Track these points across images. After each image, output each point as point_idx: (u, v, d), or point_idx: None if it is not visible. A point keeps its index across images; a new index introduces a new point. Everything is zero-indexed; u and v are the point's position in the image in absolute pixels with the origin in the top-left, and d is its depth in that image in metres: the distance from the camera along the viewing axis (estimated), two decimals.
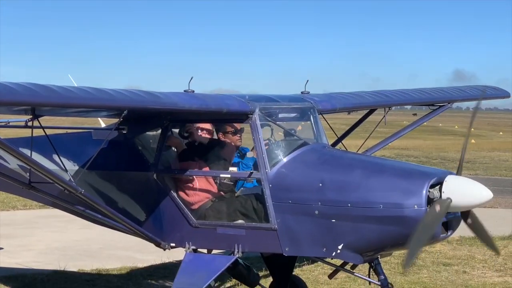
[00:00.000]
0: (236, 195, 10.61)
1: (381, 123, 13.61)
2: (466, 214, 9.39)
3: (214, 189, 10.57)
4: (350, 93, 13.17)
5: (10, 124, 12.57)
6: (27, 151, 10.23)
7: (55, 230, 19.20)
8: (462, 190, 9.13)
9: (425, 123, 14.65)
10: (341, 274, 11.43)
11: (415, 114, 14.55)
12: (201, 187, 10.58)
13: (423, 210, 9.10)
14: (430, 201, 9.12)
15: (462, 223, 9.72)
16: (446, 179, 9.18)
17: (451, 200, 9.06)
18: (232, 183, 10.61)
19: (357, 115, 13.73)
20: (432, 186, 9.19)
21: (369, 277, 10.54)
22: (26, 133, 10.56)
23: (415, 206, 9.13)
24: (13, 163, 11.10)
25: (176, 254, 11.05)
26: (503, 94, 16.36)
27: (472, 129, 10.63)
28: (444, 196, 9.18)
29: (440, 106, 14.46)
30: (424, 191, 9.14)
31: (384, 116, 13.65)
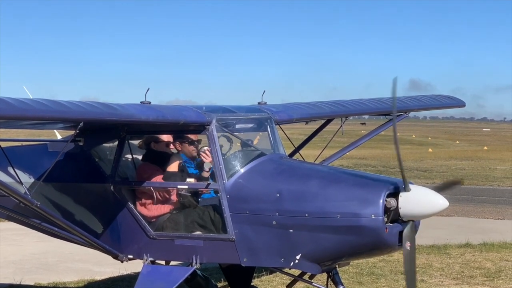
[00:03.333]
0: (193, 205, 10.58)
1: (338, 133, 13.71)
2: (410, 232, 9.61)
3: (173, 200, 10.50)
4: (307, 103, 13.24)
5: None
6: None
7: (10, 243, 19.01)
8: (418, 200, 9.21)
9: (382, 133, 14.70)
10: (299, 284, 11.46)
11: (363, 124, 14.71)
12: (158, 199, 10.49)
13: (380, 219, 9.17)
14: (387, 210, 9.22)
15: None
16: (402, 189, 9.39)
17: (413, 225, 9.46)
18: (190, 194, 10.45)
19: (315, 125, 13.80)
20: (389, 195, 9.25)
21: (327, 287, 10.45)
22: None
23: (372, 215, 9.19)
24: None
25: (134, 266, 11.04)
26: (459, 103, 16.63)
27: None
28: (400, 204, 9.44)
29: (398, 116, 14.55)
30: (381, 201, 9.21)
31: (341, 126, 13.73)
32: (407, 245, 9.33)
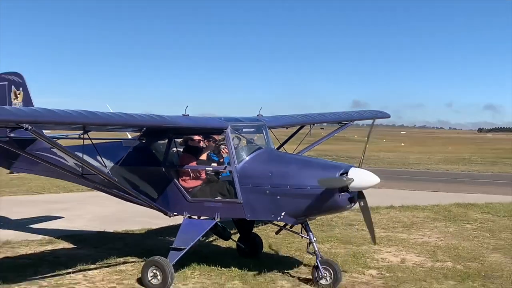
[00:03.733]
0: (215, 180, 11.04)
1: (308, 135, 14.24)
2: (361, 197, 10.07)
3: (202, 177, 11.06)
4: (288, 115, 13.89)
5: (69, 136, 12.69)
6: (80, 154, 10.88)
7: (97, 205, 19.32)
8: (360, 177, 9.77)
9: (336, 135, 15.18)
10: (283, 232, 11.83)
11: (322, 129, 15.08)
12: (193, 176, 11.06)
13: (336, 190, 9.78)
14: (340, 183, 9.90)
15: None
16: (350, 170, 9.91)
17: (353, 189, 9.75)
18: (213, 173, 11.03)
19: (292, 129, 14.32)
20: (341, 174, 9.84)
21: (301, 233, 10.99)
22: (80, 142, 11.02)
23: (332, 188, 9.85)
24: (70, 162, 11.45)
25: (177, 220, 11.40)
26: (385, 115, 17.13)
27: (366, 138, 11.30)
28: (348, 181, 9.75)
29: (346, 123, 15.11)
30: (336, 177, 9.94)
31: (310, 130, 14.32)
32: (361, 203, 10.04)
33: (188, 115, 11.27)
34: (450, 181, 30.52)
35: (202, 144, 11.49)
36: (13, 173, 13.56)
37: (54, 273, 11.06)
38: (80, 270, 11.31)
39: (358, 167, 10.06)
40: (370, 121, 16.72)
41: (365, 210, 10.26)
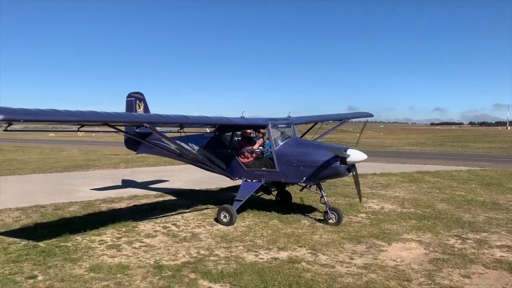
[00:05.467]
0: (261, 158, 11.00)
1: (320, 128, 14.07)
2: (354, 168, 9.93)
3: (254, 156, 11.01)
4: (306, 116, 13.68)
5: (171, 131, 12.68)
6: (178, 142, 11.03)
7: (190, 173, 19.47)
8: (354, 154, 9.69)
9: (338, 128, 14.96)
10: (305, 190, 11.78)
11: (327, 124, 14.85)
12: (248, 155, 11.08)
13: (338, 163, 9.68)
14: (341, 160, 9.69)
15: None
16: (348, 150, 9.76)
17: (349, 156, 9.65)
18: (260, 153, 10.95)
19: (309, 125, 14.15)
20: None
21: (316, 190, 10.87)
22: (178, 134, 11.10)
23: (335, 161, 9.74)
24: (172, 146, 11.54)
25: (238, 182, 11.48)
26: (370, 115, 16.70)
27: (357, 130, 11.18)
28: (346, 157, 9.71)
29: (344, 121, 14.81)
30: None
31: (321, 125, 14.10)
32: (353, 173, 9.89)
33: (244, 117, 11.26)
34: (412, 157, 29.74)
35: (252, 135, 11.41)
36: (138, 154, 13.86)
37: (164, 214, 11.29)
38: (179, 213, 11.51)
39: (353, 149, 9.85)
40: (361, 119, 16.47)
41: (356, 178, 9.99)
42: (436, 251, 8.26)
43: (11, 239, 8.82)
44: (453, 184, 16.70)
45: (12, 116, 6.32)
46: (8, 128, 7.15)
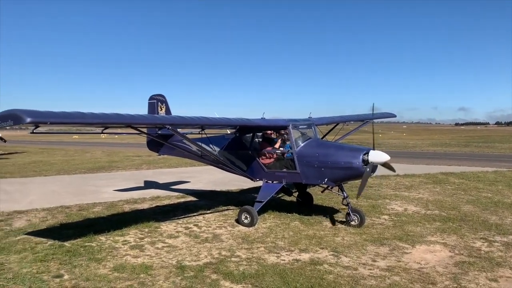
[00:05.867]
0: (282, 159, 10.84)
1: (342, 129, 13.87)
2: (383, 164, 9.76)
3: (274, 156, 10.91)
4: (328, 117, 13.50)
5: (192, 132, 12.59)
6: (199, 143, 11.06)
7: (210, 174, 19.58)
8: (377, 156, 9.63)
9: (360, 129, 14.82)
10: (326, 191, 11.67)
11: (347, 125, 14.65)
12: (268, 156, 10.99)
13: (361, 164, 9.59)
14: (363, 160, 9.62)
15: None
16: (370, 151, 9.68)
17: (372, 163, 9.51)
18: (281, 154, 10.84)
19: (331, 126, 13.96)
20: (364, 154, 9.65)
21: (338, 192, 10.76)
22: (199, 136, 11.09)
23: (357, 162, 9.64)
24: (194, 148, 11.63)
25: (259, 183, 11.46)
26: (393, 115, 16.42)
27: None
28: (369, 158, 9.55)
29: (366, 122, 14.55)
30: (361, 156, 9.71)
31: (343, 126, 13.90)
32: (367, 170, 9.51)
33: (264, 118, 11.23)
34: (436, 158, 29.21)
35: (273, 136, 11.32)
36: (160, 155, 14.01)
37: (185, 215, 11.37)
38: (200, 214, 11.57)
39: (374, 149, 9.71)
40: (381, 119, 16.22)
41: (368, 175, 9.51)
42: (462, 254, 8.09)
43: (38, 239, 9.06)
44: (479, 185, 16.35)
45: (39, 119, 6.43)
46: (35, 131, 7.37)
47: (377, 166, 9.77)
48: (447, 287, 6.56)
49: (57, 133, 9.66)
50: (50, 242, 8.82)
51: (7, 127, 6.42)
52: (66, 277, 6.96)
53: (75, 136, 65.65)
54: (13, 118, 6.18)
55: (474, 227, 10.00)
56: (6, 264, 7.54)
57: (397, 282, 6.72)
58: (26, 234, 9.47)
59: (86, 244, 8.68)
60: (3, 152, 35.86)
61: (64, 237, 9.12)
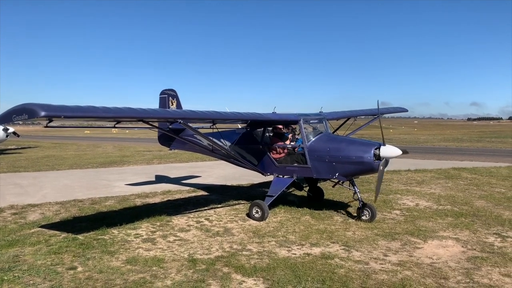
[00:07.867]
0: (293, 153, 10.85)
1: (352, 124, 13.81)
2: (385, 165, 9.59)
3: (285, 151, 10.93)
4: (339, 111, 13.51)
5: (203, 127, 12.25)
6: (211, 137, 11.09)
7: (221, 169, 19.73)
8: (388, 150, 9.49)
9: (370, 124, 14.72)
10: (337, 186, 11.66)
11: (355, 120, 14.54)
12: (279, 151, 10.99)
13: (372, 159, 9.48)
14: (374, 155, 9.50)
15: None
16: (381, 146, 9.52)
17: (385, 161, 9.37)
18: (292, 149, 10.84)
19: (341, 121, 13.92)
20: (375, 149, 9.55)
21: (349, 186, 10.73)
22: (210, 130, 11.20)
23: (369, 157, 9.52)
24: (205, 142, 11.67)
25: (269, 178, 11.45)
26: (404, 110, 16.31)
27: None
28: (381, 153, 9.41)
29: (377, 116, 14.45)
30: (372, 151, 9.58)
31: (354, 121, 13.84)
32: (381, 167, 9.44)
33: (275, 112, 11.21)
34: (448, 153, 28.96)
35: (284, 130, 11.34)
36: (171, 149, 14.07)
37: (197, 209, 11.42)
38: (211, 208, 11.60)
39: (384, 144, 9.61)
40: (393, 114, 16.09)
41: (381, 174, 9.45)
42: (475, 249, 8.01)
43: (51, 232, 9.18)
44: (492, 180, 16.18)
45: (53, 113, 6.48)
46: (48, 125, 7.46)
47: (388, 161, 9.66)
48: (459, 282, 6.51)
49: (69, 127, 9.72)
50: (64, 235, 8.93)
51: (21, 122, 6.50)
52: (79, 269, 7.04)
53: (87, 131, 66.27)
54: (27, 112, 6.23)
55: (487, 222, 9.90)
56: (21, 256, 7.66)
57: (408, 277, 6.67)
58: (40, 227, 9.60)
59: (99, 237, 8.77)
60: (16, 147, 36.40)
61: (77, 230, 9.23)
